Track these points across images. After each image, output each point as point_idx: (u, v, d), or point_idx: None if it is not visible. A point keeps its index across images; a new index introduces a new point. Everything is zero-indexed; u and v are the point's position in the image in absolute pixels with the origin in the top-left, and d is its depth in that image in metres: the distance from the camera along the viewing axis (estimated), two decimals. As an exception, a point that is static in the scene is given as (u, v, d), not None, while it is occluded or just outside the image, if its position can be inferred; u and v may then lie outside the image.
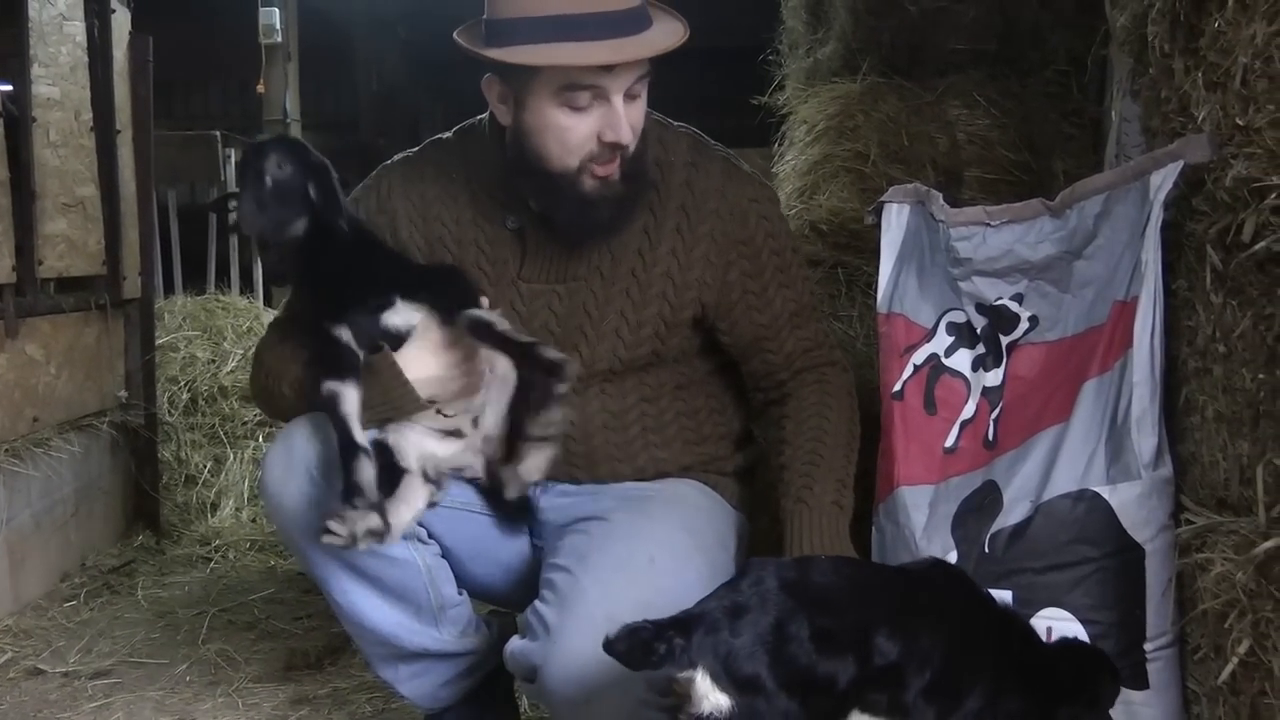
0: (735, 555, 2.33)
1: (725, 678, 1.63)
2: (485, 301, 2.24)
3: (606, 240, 2.26)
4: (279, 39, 8.41)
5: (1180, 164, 2.02)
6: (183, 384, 4.94)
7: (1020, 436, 2.23)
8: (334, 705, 2.97)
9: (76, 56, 4.16)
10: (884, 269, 2.53)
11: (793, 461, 2.27)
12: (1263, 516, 1.79)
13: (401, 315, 2.19)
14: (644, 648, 1.65)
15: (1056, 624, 2.04)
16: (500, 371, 2.15)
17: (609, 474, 2.33)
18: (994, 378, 2.33)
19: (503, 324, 2.17)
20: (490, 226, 2.31)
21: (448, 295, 2.21)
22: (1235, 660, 1.79)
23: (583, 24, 2.03)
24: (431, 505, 2.19)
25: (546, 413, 2.10)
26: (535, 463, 2.15)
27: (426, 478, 2.16)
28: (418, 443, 2.17)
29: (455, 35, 2.17)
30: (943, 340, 2.41)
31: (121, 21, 4.50)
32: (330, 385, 2.10)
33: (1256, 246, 1.78)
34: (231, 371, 5.01)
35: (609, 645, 1.66)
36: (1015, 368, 2.31)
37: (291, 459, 2.20)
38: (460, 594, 2.35)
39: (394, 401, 2.15)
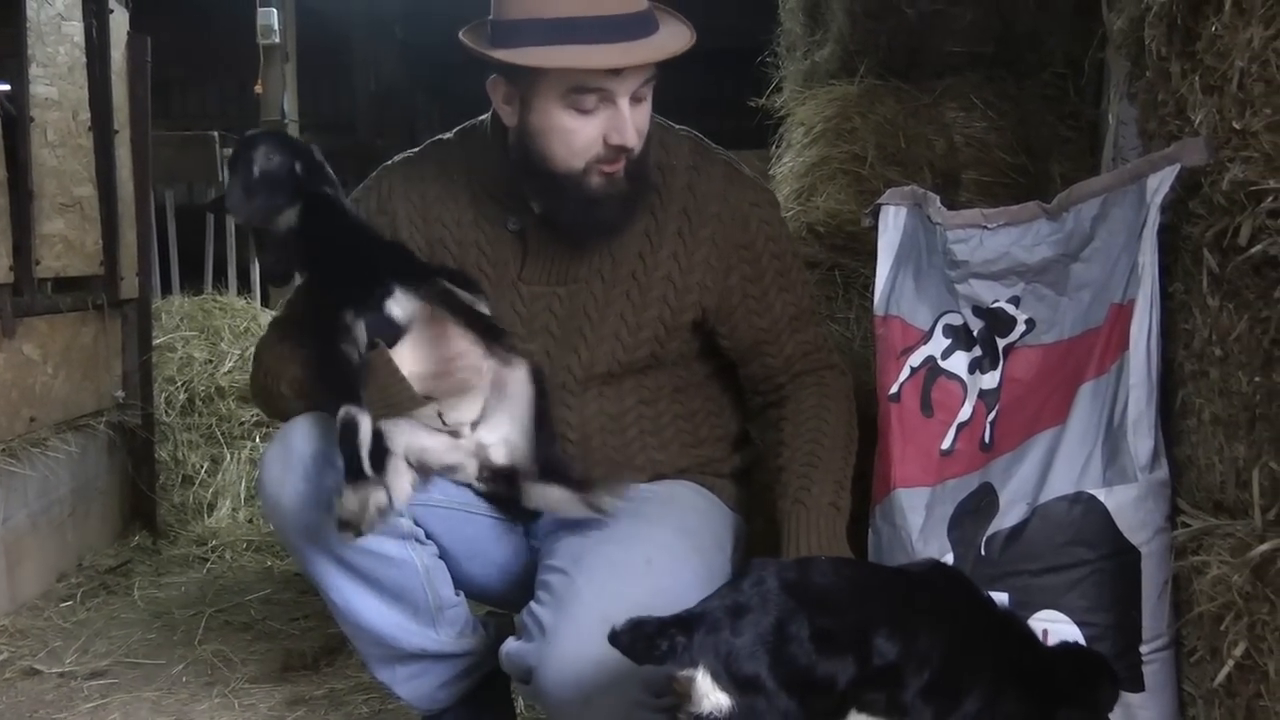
0: (732, 557, 2.33)
1: (726, 677, 1.64)
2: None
3: (609, 241, 2.26)
4: (277, 39, 8.39)
5: (1177, 167, 2.02)
6: (180, 384, 4.94)
7: (1017, 439, 2.23)
8: (330, 706, 2.97)
9: (74, 56, 4.16)
10: (881, 271, 2.53)
11: (790, 463, 2.27)
12: (1259, 519, 1.79)
13: (400, 305, 2.18)
14: (647, 641, 1.66)
15: (1053, 626, 2.05)
16: (513, 389, 2.18)
17: (609, 478, 2.33)
18: (990, 380, 2.33)
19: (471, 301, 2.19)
20: (491, 228, 2.31)
21: (442, 283, 2.22)
22: (1231, 663, 1.79)
23: (591, 27, 2.04)
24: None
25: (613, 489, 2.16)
26: (566, 505, 2.18)
27: (409, 464, 2.17)
28: (408, 432, 2.17)
29: (461, 35, 2.17)
30: (939, 342, 2.42)
31: (120, 22, 4.50)
32: (349, 411, 2.09)
33: (1253, 250, 1.78)
34: (229, 372, 5.01)
35: (613, 637, 1.67)
36: (1012, 370, 2.31)
37: (289, 459, 2.20)
38: (457, 595, 2.35)
39: (391, 399, 2.15)
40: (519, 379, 2.23)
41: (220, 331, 5.22)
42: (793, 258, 2.38)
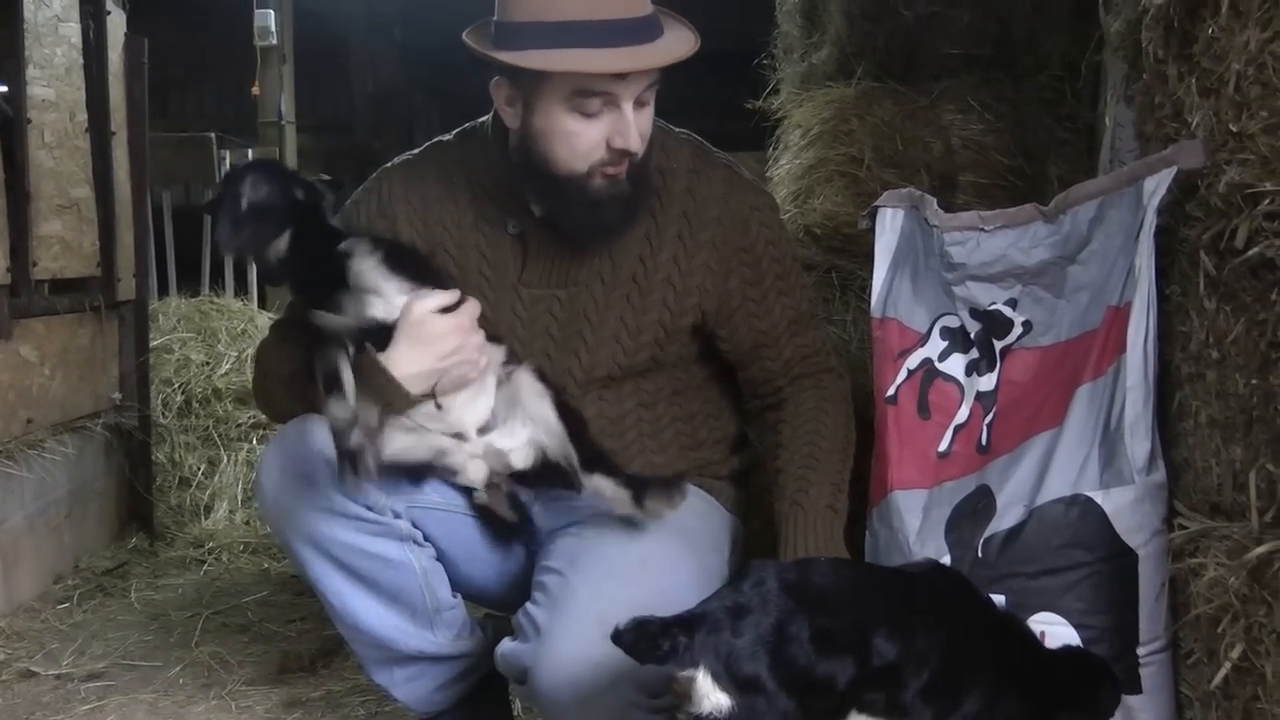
0: (729, 559, 2.33)
1: (726, 677, 1.65)
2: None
3: (609, 243, 2.26)
4: (274, 41, 8.39)
5: (1174, 169, 2.02)
6: (177, 386, 4.94)
7: (1014, 441, 2.23)
8: (327, 708, 2.96)
9: (72, 58, 4.16)
10: (878, 273, 2.53)
11: (788, 465, 2.28)
12: (1255, 522, 1.79)
13: (383, 305, 2.18)
14: (650, 641, 1.66)
15: (1050, 628, 2.05)
16: (524, 393, 2.20)
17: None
18: (987, 382, 2.34)
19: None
20: (491, 231, 2.31)
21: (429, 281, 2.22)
22: (1228, 665, 1.79)
23: (597, 31, 2.03)
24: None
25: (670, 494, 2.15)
26: (618, 500, 2.17)
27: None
28: (409, 435, 2.18)
29: (464, 36, 2.17)
30: (936, 345, 2.42)
31: (117, 23, 4.49)
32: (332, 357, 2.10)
33: (1250, 252, 1.78)
34: (226, 374, 5.01)
35: (616, 636, 1.68)
36: (1009, 372, 2.32)
37: (288, 460, 2.20)
38: (455, 597, 2.35)
39: (385, 399, 2.15)
40: (526, 382, 2.22)
41: (217, 333, 5.22)
42: (792, 261, 2.38)
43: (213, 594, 3.92)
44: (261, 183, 2.22)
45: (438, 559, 2.31)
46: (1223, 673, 1.81)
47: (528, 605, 2.13)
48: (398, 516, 2.23)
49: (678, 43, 2.13)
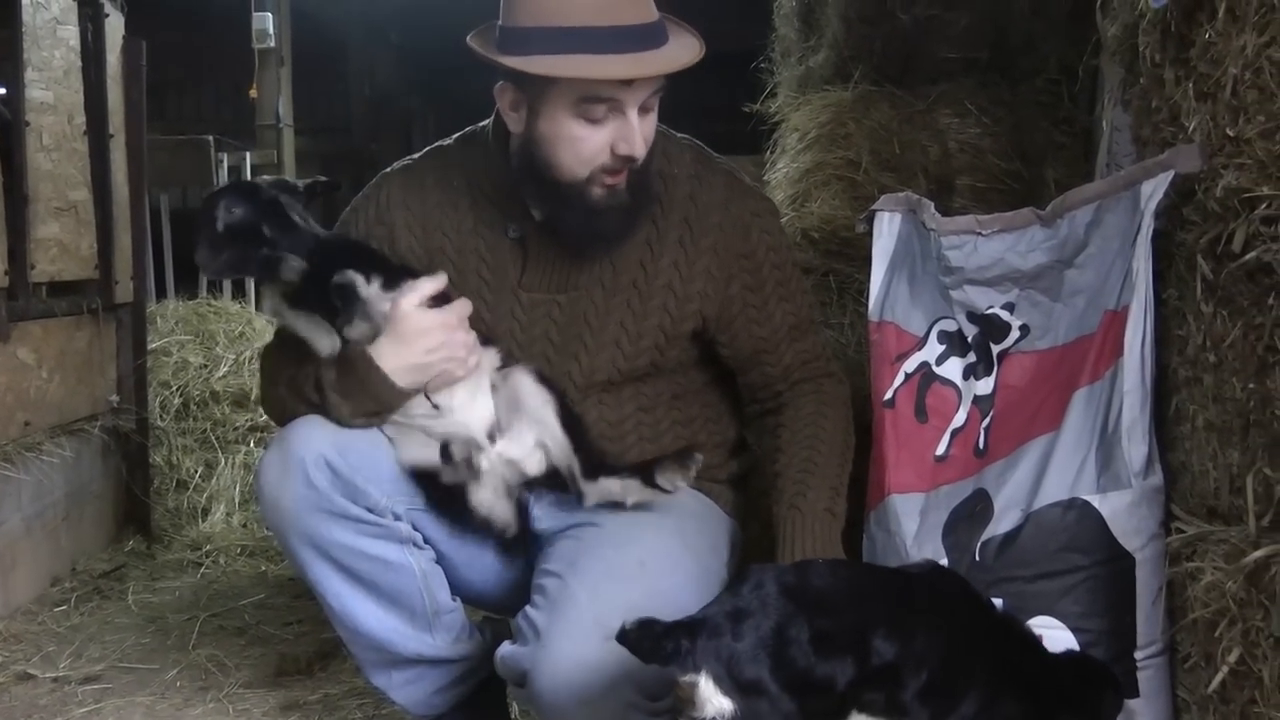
0: (728, 562, 2.34)
1: (728, 681, 1.66)
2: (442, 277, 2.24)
3: (610, 250, 2.26)
4: (272, 44, 8.40)
5: (1171, 174, 2.03)
6: (174, 388, 4.93)
7: (1011, 445, 2.23)
8: (324, 711, 2.96)
9: (70, 61, 4.16)
10: (875, 277, 2.53)
11: (787, 469, 2.28)
12: (1253, 526, 1.79)
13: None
14: (655, 642, 1.67)
15: (1047, 632, 2.04)
16: (525, 396, 2.21)
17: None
18: (985, 386, 2.34)
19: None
20: (491, 235, 2.32)
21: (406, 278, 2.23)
22: (1225, 669, 1.79)
23: (604, 37, 2.04)
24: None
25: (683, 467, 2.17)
26: (632, 493, 2.21)
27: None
28: (416, 447, 2.18)
29: (469, 40, 2.17)
30: (934, 348, 2.42)
31: (115, 26, 4.49)
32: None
33: (1246, 256, 1.78)
34: (223, 376, 5.00)
35: (622, 635, 1.69)
36: (1006, 376, 2.32)
37: (288, 462, 2.20)
38: (454, 600, 2.35)
39: (372, 391, 2.16)
40: (526, 384, 2.23)
41: (215, 336, 5.21)
42: (793, 267, 2.39)
43: (210, 597, 3.91)
44: (237, 205, 2.24)
45: (437, 562, 2.31)
46: (1220, 676, 1.81)
47: (527, 608, 2.13)
48: (398, 519, 2.23)
49: (683, 49, 2.14)
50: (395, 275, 2.22)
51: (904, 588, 1.85)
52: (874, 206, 2.59)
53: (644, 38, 2.08)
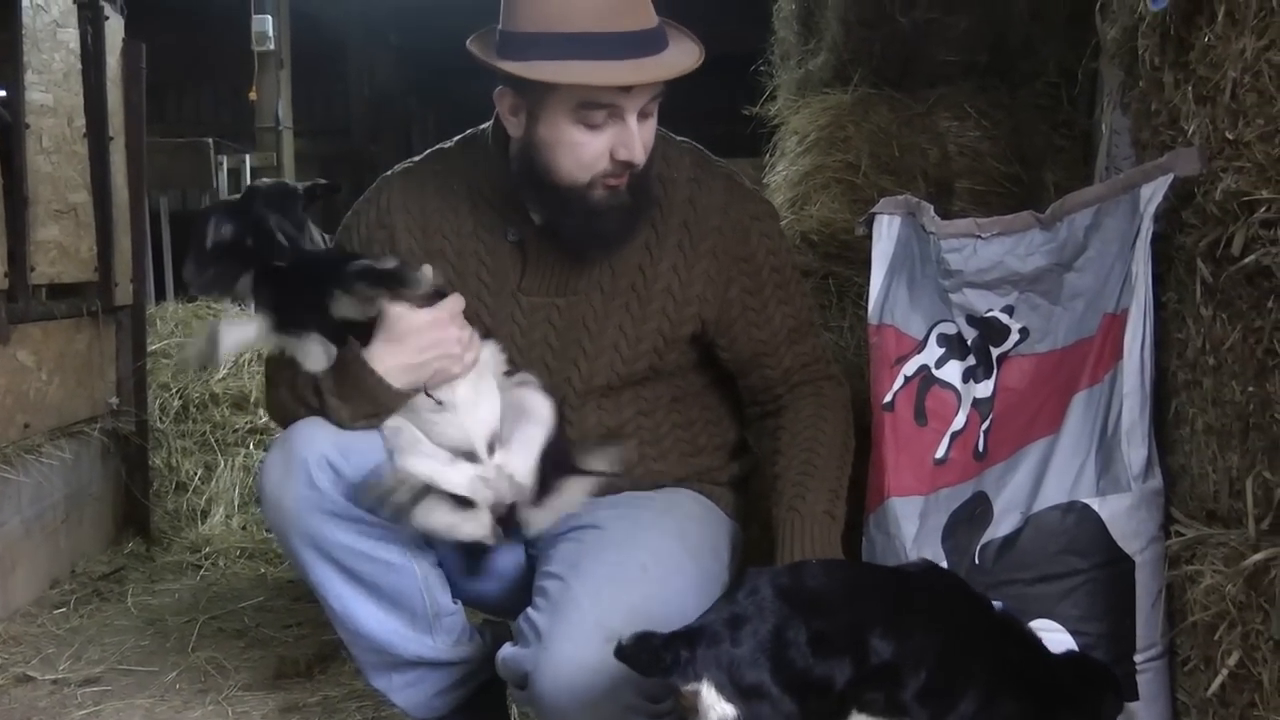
0: (729, 564, 2.34)
1: (730, 687, 1.66)
2: (427, 271, 2.22)
3: (610, 252, 2.26)
4: (271, 46, 8.41)
5: (1170, 177, 2.03)
6: (174, 391, 4.94)
7: (1010, 448, 2.23)
8: (324, 713, 2.96)
9: (70, 63, 4.16)
10: (875, 280, 2.53)
11: (786, 471, 2.28)
12: (1252, 529, 1.79)
13: (348, 307, 2.19)
14: (653, 654, 1.68)
15: (1047, 635, 2.04)
16: (538, 414, 2.20)
17: (605, 487, 2.33)
18: (984, 389, 2.34)
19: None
20: (491, 238, 2.32)
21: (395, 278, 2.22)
22: (1225, 672, 1.80)
23: (603, 43, 2.03)
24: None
25: (607, 450, 2.18)
26: (574, 494, 2.19)
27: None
28: (423, 459, 2.17)
29: (468, 44, 2.16)
30: (933, 351, 2.42)
31: (115, 28, 4.50)
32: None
33: (1246, 260, 1.78)
34: (223, 379, 5.00)
35: (619, 649, 1.69)
36: (1005, 379, 2.32)
37: (290, 462, 2.20)
38: (455, 603, 2.35)
39: (369, 393, 2.16)
40: (537, 403, 2.22)
41: (214, 338, 5.20)
42: (792, 270, 2.39)
43: (209, 599, 3.92)
44: (224, 222, 2.26)
45: (438, 564, 2.31)
46: (1219, 680, 1.81)
47: (529, 610, 2.13)
48: None
49: (683, 55, 2.14)
50: (379, 279, 2.21)
51: (900, 586, 1.86)
52: (873, 209, 2.59)
53: (644, 44, 2.08)
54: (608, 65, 2.04)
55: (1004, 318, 2.33)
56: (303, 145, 9.75)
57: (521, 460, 2.18)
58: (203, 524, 4.62)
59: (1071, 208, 2.26)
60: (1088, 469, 2.09)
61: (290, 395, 2.26)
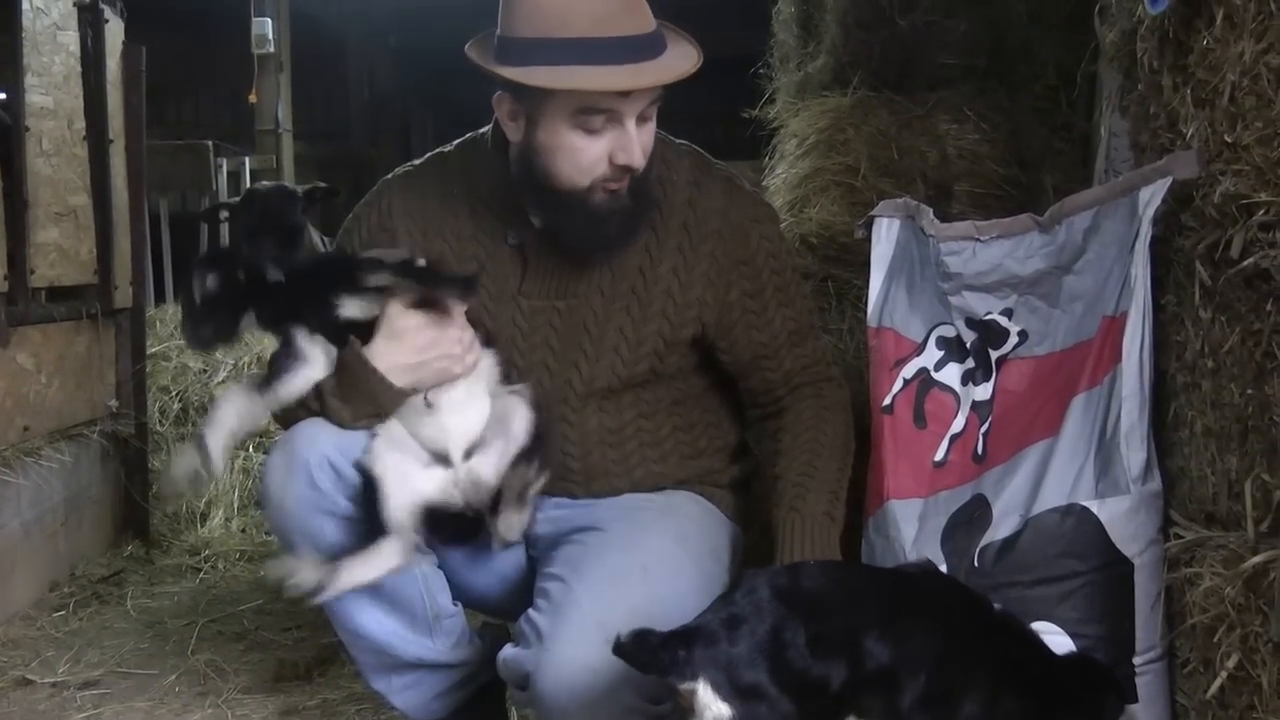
0: (730, 566, 2.34)
1: (727, 687, 1.67)
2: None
3: (611, 255, 2.26)
4: (271, 49, 8.42)
5: (1169, 180, 2.03)
6: (174, 393, 4.93)
7: (1009, 450, 2.23)
8: (323, 716, 2.97)
9: (70, 66, 4.17)
10: (874, 283, 2.54)
11: (786, 472, 2.28)
12: (1251, 531, 1.80)
13: (353, 307, 2.20)
14: (651, 653, 1.68)
15: (1046, 637, 2.04)
16: (515, 429, 2.19)
17: (606, 489, 2.34)
18: (983, 392, 2.34)
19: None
20: (491, 242, 2.32)
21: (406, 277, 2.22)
22: (1224, 674, 1.80)
23: (601, 48, 2.04)
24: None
25: (531, 470, 2.17)
26: (513, 522, 2.18)
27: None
28: (405, 476, 2.17)
29: (467, 49, 2.17)
30: (932, 354, 2.42)
31: (115, 31, 4.50)
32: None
33: (1244, 262, 1.79)
34: (222, 381, 4.99)
35: (618, 646, 1.70)
36: (1004, 382, 2.32)
37: (292, 463, 2.20)
38: (455, 605, 2.35)
39: (369, 393, 2.16)
40: (520, 414, 2.22)
41: (214, 340, 5.20)
42: (792, 273, 2.39)
43: (209, 602, 3.92)
44: (209, 271, 2.25)
45: (439, 566, 2.31)
46: (1219, 682, 1.81)
47: (530, 611, 2.13)
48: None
49: (681, 59, 2.14)
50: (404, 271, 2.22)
51: (897, 588, 1.86)
52: (872, 212, 2.59)
53: (642, 48, 2.08)
54: (606, 70, 2.04)
55: (1003, 320, 2.33)
56: (302, 148, 9.75)
57: (490, 467, 2.19)
58: (202, 527, 4.62)
59: (1070, 210, 2.26)
60: (1087, 471, 2.09)
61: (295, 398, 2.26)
